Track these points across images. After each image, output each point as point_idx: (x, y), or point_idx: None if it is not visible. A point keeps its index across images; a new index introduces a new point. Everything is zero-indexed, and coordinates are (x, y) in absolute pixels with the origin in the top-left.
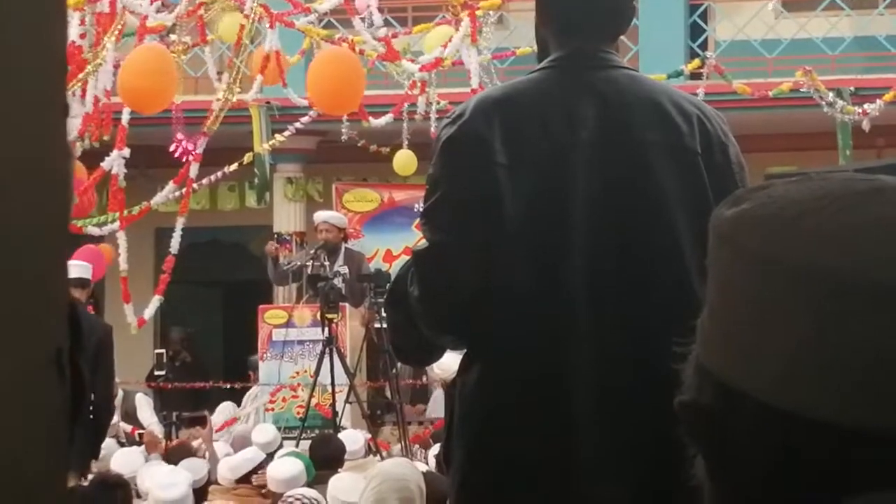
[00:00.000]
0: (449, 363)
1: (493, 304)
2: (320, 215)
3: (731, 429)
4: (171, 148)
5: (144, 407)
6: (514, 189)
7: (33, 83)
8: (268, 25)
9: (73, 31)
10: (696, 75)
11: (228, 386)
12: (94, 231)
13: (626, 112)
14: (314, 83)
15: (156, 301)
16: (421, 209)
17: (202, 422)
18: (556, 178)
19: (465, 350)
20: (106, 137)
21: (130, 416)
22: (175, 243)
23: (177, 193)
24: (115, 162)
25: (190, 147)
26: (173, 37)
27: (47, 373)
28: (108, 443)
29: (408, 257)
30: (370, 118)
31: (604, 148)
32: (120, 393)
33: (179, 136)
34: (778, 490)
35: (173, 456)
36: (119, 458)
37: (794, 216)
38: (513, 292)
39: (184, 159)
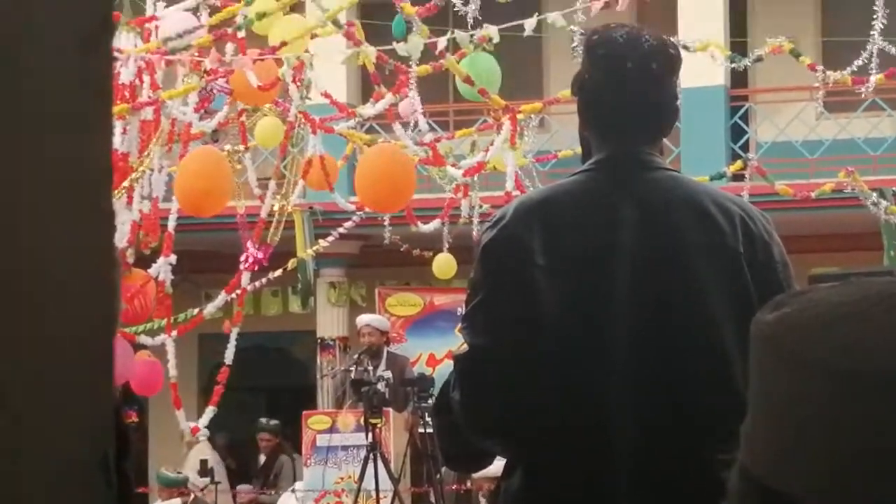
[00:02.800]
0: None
1: (534, 409)
2: (363, 319)
3: None
4: (242, 258)
5: None
6: (554, 292)
7: (79, 191)
8: (310, 130)
9: (117, 140)
10: (738, 177)
11: (272, 492)
12: (147, 340)
13: (667, 214)
14: (362, 180)
15: (210, 411)
16: (462, 313)
17: None
18: (596, 281)
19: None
20: (154, 244)
21: None
22: (229, 354)
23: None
24: (162, 268)
25: (260, 256)
26: (226, 146)
27: (95, 477)
28: None
29: (451, 361)
30: (419, 223)
31: (644, 252)
32: (177, 501)
33: (250, 246)
34: None
35: None
36: None
37: (833, 320)
38: (554, 399)
39: (251, 269)
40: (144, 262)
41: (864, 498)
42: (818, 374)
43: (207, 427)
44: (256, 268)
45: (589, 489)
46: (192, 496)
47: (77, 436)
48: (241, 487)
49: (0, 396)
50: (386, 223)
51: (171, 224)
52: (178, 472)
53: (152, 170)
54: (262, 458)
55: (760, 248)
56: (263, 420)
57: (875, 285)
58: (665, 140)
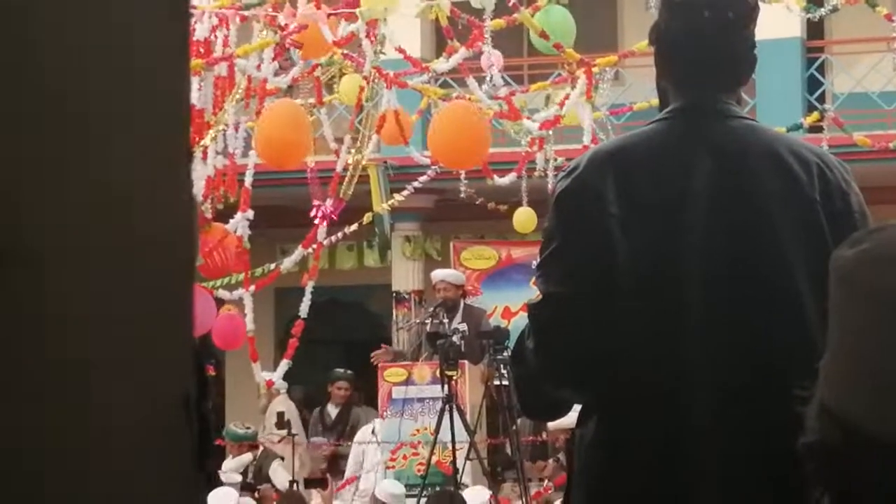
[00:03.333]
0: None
1: (609, 357)
2: (437, 274)
3: (857, 469)
4: (312, 213)
5: (280, 473)
6: (629, 240)
7: (162, 139)
8: (384, 86)
9: (192, 95)
10: (814, 128)
11: (347, 444)
12: (226, 295)
13: (743, 162)
14: (436, 138)
15: (284, 364)
16: (537, 263)
17: (323, 484)
18: (671, 229)
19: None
20: (232, 199)
21: (263, 475)
22: (304, 308)
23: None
24: (239, 224)
25: (329, 210)
26: (298, 99)
27: (177, 415)
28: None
29: (525, 314)
30: (495, 176)
31: (719, 199)
32: (248, 456)
33: (317, 201)
34: None
35: None
36: None
37: None
38: (629, 346)
39: (322, 223)
40: (221, 217)
41: None
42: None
43: (285, 380)
44: (328, 222)
45: (666, 436)
46: (261, 449)
47: (160, 376)
48: (315, 440)
49: (90, 335)
50: (462, 177)
51: (248, 179)
52: (248, 428)
53: (227, 125)
54: (334, 410)
55: (838, 196)
56: (340, 370)
57: None
58: (741, 92)
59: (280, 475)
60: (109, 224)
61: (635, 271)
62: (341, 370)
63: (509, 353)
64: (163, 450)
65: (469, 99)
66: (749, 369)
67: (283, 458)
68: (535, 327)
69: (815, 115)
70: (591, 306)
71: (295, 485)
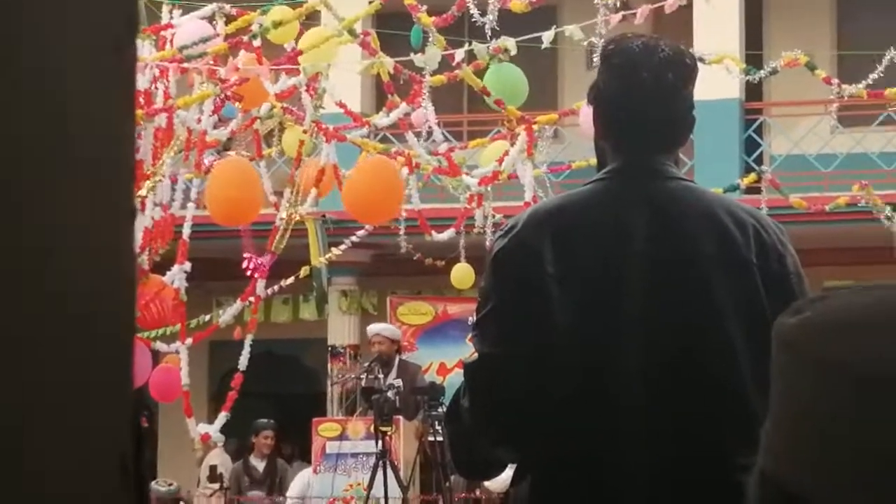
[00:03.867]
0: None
1: (544, 416)
2: (374, 328)
3: None
4: (244, 265)
5: None
6: (565, 301)
7: (105, 191)
8: (324, 140)
9: None
10: (752, 189)
11: (281, 498)
12: (163, 347)
13: (680, 224)
14: (350, 192)
15: (222, 417)
16: (473, 322)
17: None
18: (608, 290)
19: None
20: (162, 251)
21: None
22: (244, 360)
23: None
24: (176, 275)
25: (261, 263)
26: (232, 153)
27: (113, 478)
28: None
29: (461, 370)
30: (433, 232)
31: (657, 261)
32: None
33: (247, 253)
34: None
35: None
36: None
37: (853, 325)
38: (564, 408)
39: (251, 275)
40: (157, 269)
41: (886, 502)
42: (839, 377)
43: (221, 432)
44: (263, 275)
45: (601, 498)
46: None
47: (97, 436)
48: (254, 494)
49: (21, 395)
50: (401, 232)
51: (186, 231)
52: (170, 484)
53: (164, 177)
54: (260, 463)
55: (774, 258)
56: (263, 420)
57: (891, 290)
58: (679, 153)
59: None
60: (46, 275)
61: (572, 333)
62: (265, 420)
63: (444, 410)
64: None
65: (409, 154)
66: (688, 437)
67: None
68: (470, 387)
69: (753, 176)
70: (527, 368)
71: None
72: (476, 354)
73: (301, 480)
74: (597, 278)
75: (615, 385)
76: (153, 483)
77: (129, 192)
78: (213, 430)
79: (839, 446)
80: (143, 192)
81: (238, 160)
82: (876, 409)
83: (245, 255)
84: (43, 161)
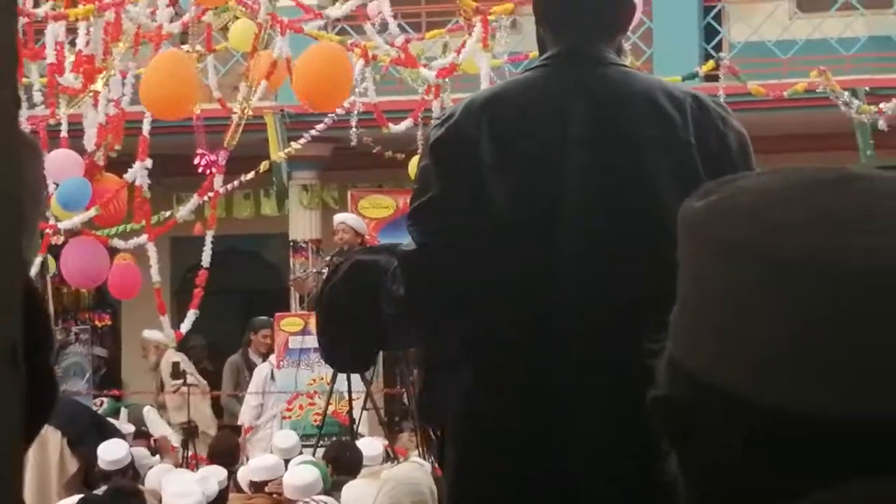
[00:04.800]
0: None
1: (482, 304)
2: (340, 217)
3: (703, 423)
4: (196, 161)
5: (155, 419)
6: (502, 189)
7: None
8: (279, 32)
9: (80, 41)
10: (711, 77)
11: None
12: (120, 244)
13: (617, 108)
14: (299, 78)
15: (191, 314)
16: (409, 211)
17: (236, 431)
18: (545, 177)
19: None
20: (118, 147)
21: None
22: (206, 256)
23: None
24: (138, 173)
25: (214, 159)
26: (186, 46)
27: (2, 371)
28: (140, 452)
29: None
30: (389, 124)
31: (594, 145)
32: (123, 410)
33: (200, 150)
34: (749, 483)
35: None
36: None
37: (763, 206)
38: (498, 294)
39: (206, 171)
40: (115, 167)
41: (790, 386)
42: (745, 261)
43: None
44: (220, 171)
45: (535, 384)
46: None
47: None
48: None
49: None
50: (353, 124)
51: (146, 128)
52: (101, 403)
53: (114, 72)
54: (258, 359)
55: (714, 137)
56: (263, 317)
57: (804, 172)
58: (638, 41)
59: (158, 424)
60: None
61: (507, 219)
62: (263, 318)
63: None
64: None
65: (365, 45)
66: (610, 318)
67: (151, 405)
68: (405, 275)
69: (711, 63)
70: (464, 258)
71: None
72: (413, 244)
73: (259, 376)
74: (533, 164)
75: (549, 273)
76: (145, 332)
77: (10, 78)
78: (185, 327)
79: (747, 333)
80: (97, 86)
81: (173, 53)
82: (784, 293)
83: (198, 151)
84: None
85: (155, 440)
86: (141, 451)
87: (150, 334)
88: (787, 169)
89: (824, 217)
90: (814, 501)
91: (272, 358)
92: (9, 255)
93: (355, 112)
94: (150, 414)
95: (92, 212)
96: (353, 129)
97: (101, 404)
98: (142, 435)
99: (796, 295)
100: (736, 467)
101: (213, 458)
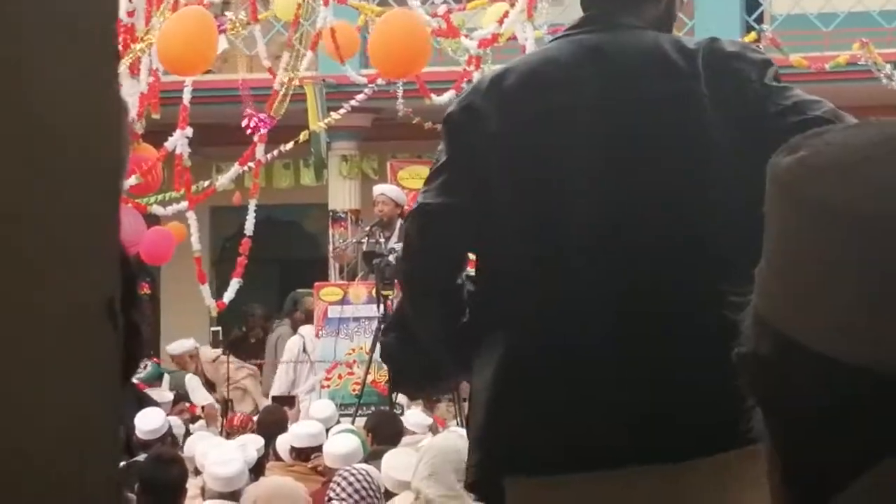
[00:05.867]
0: None
1: (488, 274)
2: (379, 188)
3: (789, 380)
4: (244, 123)
5: (196, 386)
6: (507, 156)
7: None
8: (322, 2)
9: (121, 11)
10: None
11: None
12: (159, 210)
13: (627, 69)
14: (376, 46)
15: (235, 283)
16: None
17: (290, 402)
18: (552, 142)
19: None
20: (155, 116)
21: (181, 396)
22: (249, 225)
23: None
24: (178, 141)
25: (263, 119)
26: (229, 14)
27: (101, 322)
28: (175, 422)
29: None
30: (433, 95)
31: (604, 108)
32: (166, 377)
33: (249, 110)
34: (834, 442)
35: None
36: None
37: (854, 163)
38: (508, 261)
39: (252, 133)
40: (157, 136)
41: (877, 347)
42: (837, 220)
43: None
44: (263, 139)
45: (550, 352)
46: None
47: (82, 281)
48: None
49: (4, 241)
50: (399, 96)
51: (186, 97)
52: (145, 367)
53: (154, 41)
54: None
55: (729, 78)
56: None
57: (889, 127)
58: (680, 13)
59: (199, 391)
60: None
61: (512, 187)
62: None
63: None
64: (81, 359)
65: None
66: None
67: (193, 373)
68: (408, 233)
69: (753, 35)
70: (461, 218)
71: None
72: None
73: (292, 348)
74: (538, 132)
75: (562, 239)
76: (168, 347)
77: (111, 35)
78: (228, 296)
79: (839, 290)
80: (132, 54)
81: (195, 11)
82: (874, 253)
83: (245, 113)
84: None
85: (202, 408)
86: (175, 421)
87: (173, 348)
88: (873, 123)
89: None
90: (891, 466)
91: (303, 329)
92: (109, 219)
93: (399, 83)
94: (192, 381)
95: (132, 180)
96: (400, 100)
97: (145, 367)
98: (179, 399)
99: (886, 255)
100: (820, 425)
101: (261, 429)
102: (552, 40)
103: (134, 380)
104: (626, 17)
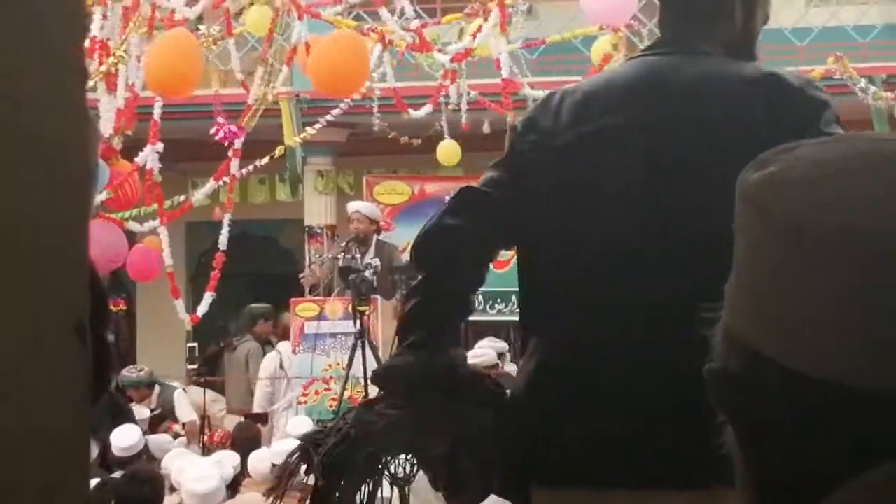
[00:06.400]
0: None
1: (535, 283)
2: (353, 205)
3: (758, 395)
4: (212, 131)
5: (184, 403)
6: (554, 170)
7: (53, 47)
8: (296, 17)
9: (95, 26)
10: None
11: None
12: (135, 227)
13: (684, 94)
14: (315, 65)
15: (208, 297)
16: None
17: (263, 419)
18: (598, 159)
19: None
20: (129, 132)
21: (167, 412)
22: (223, 240)
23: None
24: (149, 157)
25: (233, 130)
26: (202, 28)
27: (70, 342)
28: (163, 439)
29: None
30: (410, 110)
31: (652, 127)
32: (156, 388)
33: (221, 119)
34: (804, 457)
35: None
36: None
37: (821, 177)
38: (545, 267)
39: (222, 142)
40: (133, 151)
41: (845, 361)
42: (804, 235)
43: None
44: (238, 149)
45: (580, 358)
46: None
47: (50, 297)
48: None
49: None
50: (374, 110)
51: (157, 112)
52: (141, 370)
53: (129, 56)
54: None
55: (789, 113)
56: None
57: (862, 143)
58: (654, 27)
59: (185, 407)
60: None
61: (553, 201)
62: (265, 305)
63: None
64: (49, 376)
65: (382, 30)
66: (671, 292)
67: (184, 388)
68: (443, 210)
69: None
70: (494, 206)
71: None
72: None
73: (271, 362)
74: (586, 150)
75: (603, 246)
76: (123, 371)
77: (78, 46)
78: (202, 310)
79: (804, 305)
80: (104, 68)
81: (179, 32)
82: (840, 269)
83: (216, 122)
84: None
85: (184, 424)
86: (164, 438)
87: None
88: (844, 138)
89: (881, 190)
90: (868, 481)
91: (280, 346)
92: (78, 236)
93: (375, 98)
94: (180, 397)
95: (103, 195)
96: (376, 115)
97: (141, 370)
98: (158, 419)
99: (853, 270)
100: (791, 441)
101: (235, 446)
102: (629, 59)
103: (125, 384)
104: (696, 41)
